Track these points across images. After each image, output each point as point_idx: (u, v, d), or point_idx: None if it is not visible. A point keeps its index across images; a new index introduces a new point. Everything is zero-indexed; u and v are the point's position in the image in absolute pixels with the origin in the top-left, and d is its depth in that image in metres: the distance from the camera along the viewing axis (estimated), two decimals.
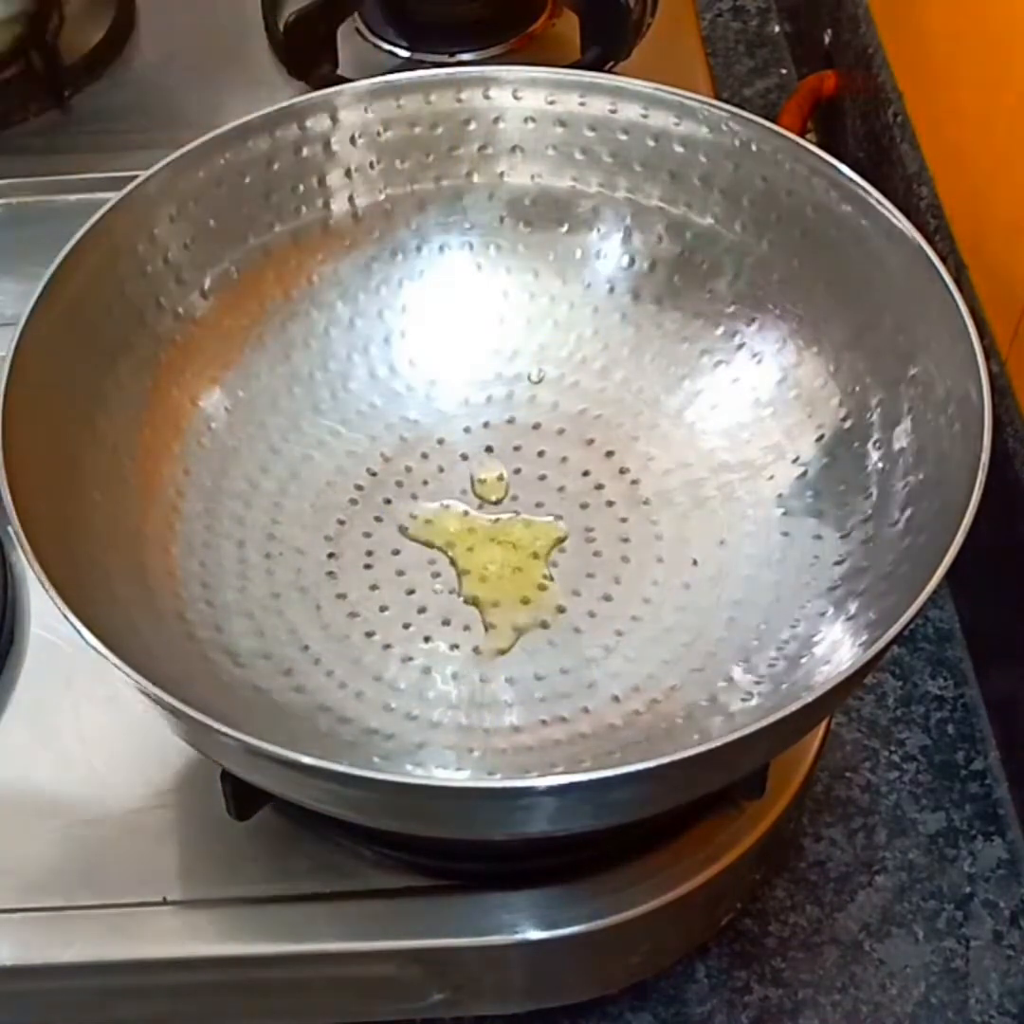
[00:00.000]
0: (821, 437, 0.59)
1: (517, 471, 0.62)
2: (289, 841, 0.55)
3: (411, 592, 0.59)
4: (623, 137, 0.62)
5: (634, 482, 0.61)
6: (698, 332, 0.62)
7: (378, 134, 0.62)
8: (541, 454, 0.62)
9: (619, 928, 0.53)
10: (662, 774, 0.44)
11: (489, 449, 0.63)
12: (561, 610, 0.58)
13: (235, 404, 0.61)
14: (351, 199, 0.63)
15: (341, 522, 0.61)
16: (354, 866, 0.54)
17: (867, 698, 0.68)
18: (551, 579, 0.59)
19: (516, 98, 0.62)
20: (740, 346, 0.62)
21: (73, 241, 0.56)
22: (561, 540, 0.60)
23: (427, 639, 0.57)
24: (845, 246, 0.58)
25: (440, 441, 0.63)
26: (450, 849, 0.53)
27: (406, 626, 0.58)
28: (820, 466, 0.59)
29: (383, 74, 0.63)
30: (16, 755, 0.57)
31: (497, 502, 0.61)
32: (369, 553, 0.60)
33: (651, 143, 0.62)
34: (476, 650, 0.57)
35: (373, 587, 0.59)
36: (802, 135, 0.70)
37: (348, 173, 0.63)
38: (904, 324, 0.56)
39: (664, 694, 0.55)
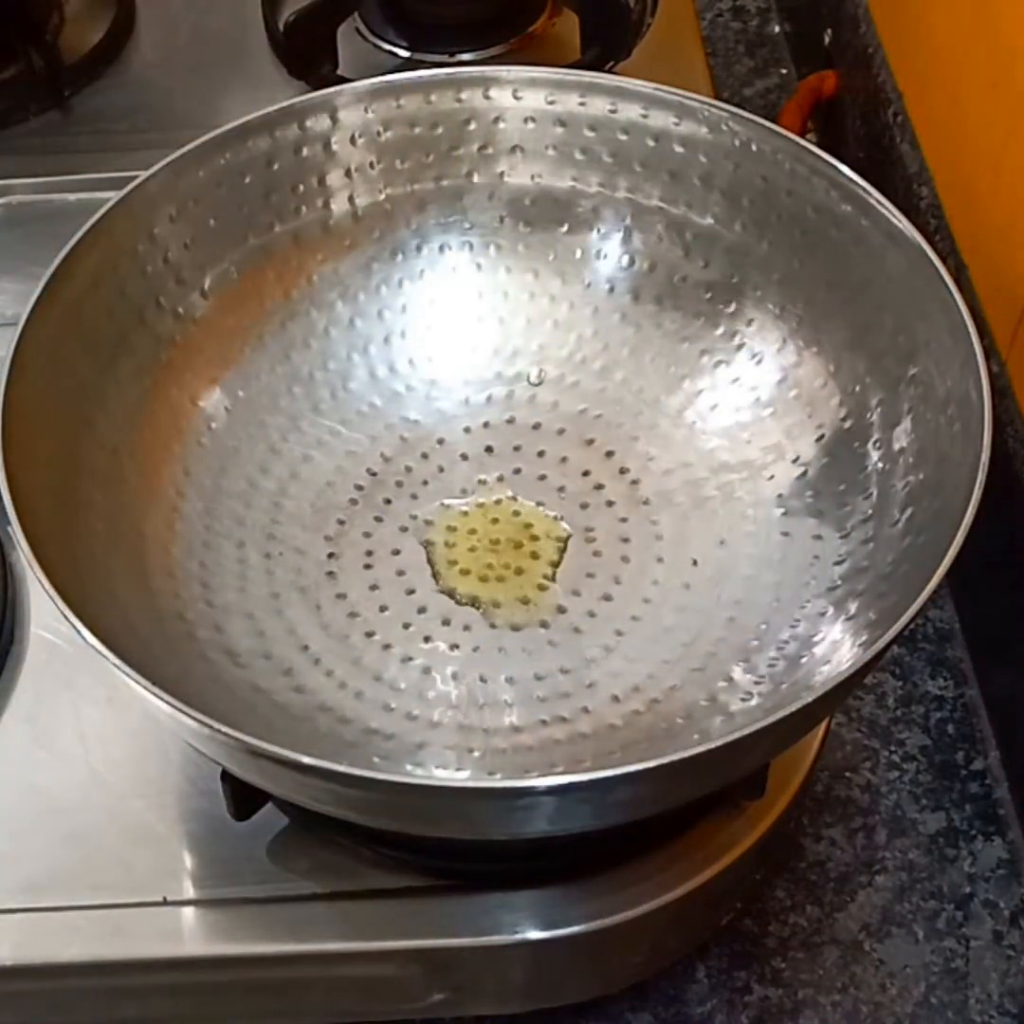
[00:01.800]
0: (821, 437, 0.59)
1: (517, 471, 0.62)
2: (289, 841, 0.55)
3: (411, 592, 0.59)
4: (623, 137, 0.62)
5: (634, 482, 0.61)
6: (698, 332, 0.62)
7: (378, 134, 0.62)
8: (541, 454, 0.62)
9: (619, 928, 0.53)
10: (662, 774, 0.44)
11: (489, 449, 0.63)
12: (561, 610, 0.58)
13: (235, 404, 0.61)
14: (351, 199, 0.63)
15: (341, 522, 0.61)
16: (354, 866, 0.54)
17: (867, 698, 0.68)
18: (551, 579, 0.59)
19: (516, 98, 0.62)
20: (740, 346, 0.62)
21: (73, 241, 0.56)
22: (561, 540, 0.60)
23: (427, 639, 0.57)
24: (845, 246, 0.58)
25: (440, 441, 0.63)
26: (450, 849, 0.53)
27: (406, 626, 0.58)
28: (820, 466, 0.59)
29: (383, 74, 0.63)
30: (16, 755, 0.57)
31: (497, 502, 0.61)
32: (369, 553, 0.60)
33: (651, 143, 0.62)
34: (476, 650, 0.57)
35: (373, 587, 0.59)
36: (802, 135, 0.70)
37: (348, 173, 0.63)
38: (904, 324, 0.56)
39: (664, 694, 0.55)
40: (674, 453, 0.62)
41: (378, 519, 0.61)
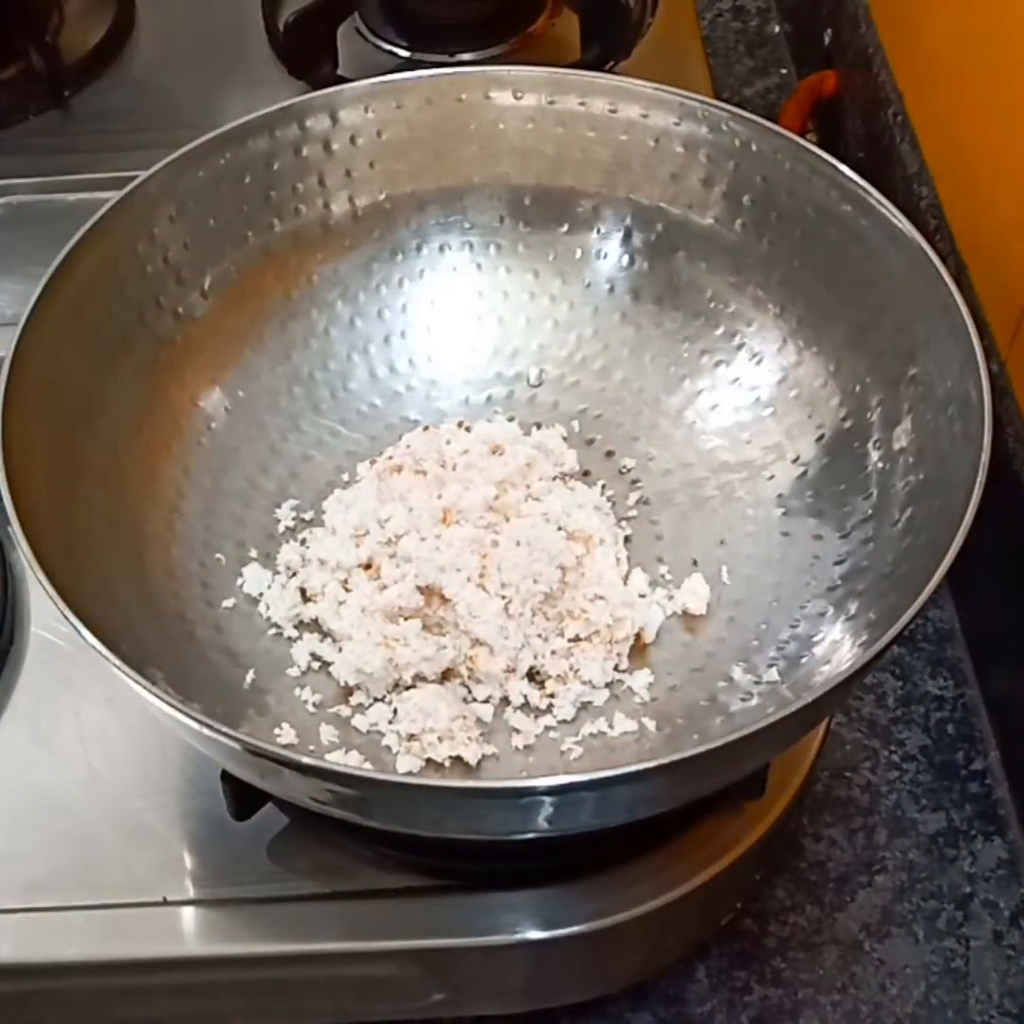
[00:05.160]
0: (821, 437, 0.59)
1: None
2: (289, 841, 0.55)
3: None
4: (623, 137, 0.62)
5: (634, 482, 0.61)
6: (698, 332, 0.62)
7: (378, 134, 0.62)
8: None
9: (619, 928, 0.53)
10: (662, 774, 0.44)
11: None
12: None
13: (235, 404, 0.61)
14: (351, 199, 0.63)
15: None
16: (354, 866, 0.54)
17: (867, 698, 0.68)
18: None
19: (516, 98, 0.62)
20: (740, 346, 0.62)
21: (73, 241, 0.56)
22: None
23: None
24: (845, 246, 0.58)
25: None
26: (450, 849, 0.53)
27: None
28: (820, 466, 0.59)
29: (383, 74, 0.63)
30: (16, 755, 0.57)
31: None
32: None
33: (651, 143, 0.62)
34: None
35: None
36: (802, 135, 0.70)
37: (348, 173, 0.63)
38: (904, 324, 0.56)
39: (664, 694, 0.55)
40: (674, 453, 0.62)
41: None
